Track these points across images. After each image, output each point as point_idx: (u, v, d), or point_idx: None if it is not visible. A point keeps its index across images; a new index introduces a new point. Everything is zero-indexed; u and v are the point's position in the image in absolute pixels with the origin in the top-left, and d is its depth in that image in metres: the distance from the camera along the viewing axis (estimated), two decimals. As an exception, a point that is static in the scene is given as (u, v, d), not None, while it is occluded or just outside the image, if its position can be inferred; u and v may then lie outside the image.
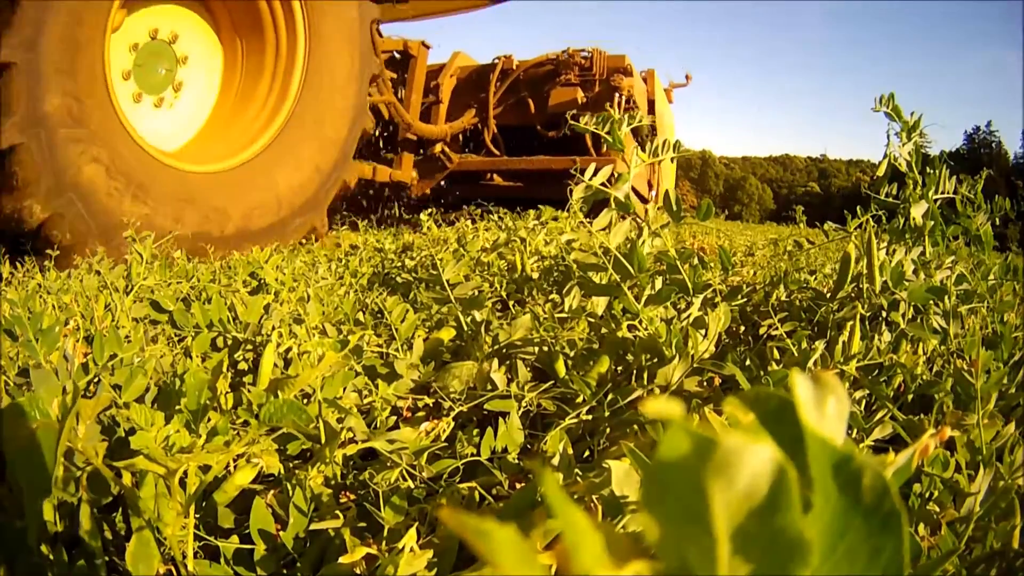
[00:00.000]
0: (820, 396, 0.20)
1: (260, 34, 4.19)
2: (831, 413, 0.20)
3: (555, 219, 3.38)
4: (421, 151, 6.55)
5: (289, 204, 4.16)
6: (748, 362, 1.22)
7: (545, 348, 1.44)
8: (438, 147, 6.55)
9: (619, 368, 1.35)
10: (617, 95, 6.06)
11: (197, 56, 4.20)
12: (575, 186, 1.54)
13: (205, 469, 0.79)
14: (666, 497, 0.17)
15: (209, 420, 0.90)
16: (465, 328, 1.55)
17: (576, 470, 0.88)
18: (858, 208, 1.88)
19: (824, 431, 0.19)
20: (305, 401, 1.20)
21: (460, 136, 6.75)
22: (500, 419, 1.10)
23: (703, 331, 1.22)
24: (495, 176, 6.79)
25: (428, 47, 6.31)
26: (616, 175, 1.62)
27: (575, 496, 0.75)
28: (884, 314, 1.46)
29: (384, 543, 0.88)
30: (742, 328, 1.68)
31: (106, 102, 3.43)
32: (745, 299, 1.68)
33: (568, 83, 6.14)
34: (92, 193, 3.38)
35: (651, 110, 6.91)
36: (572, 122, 1.85)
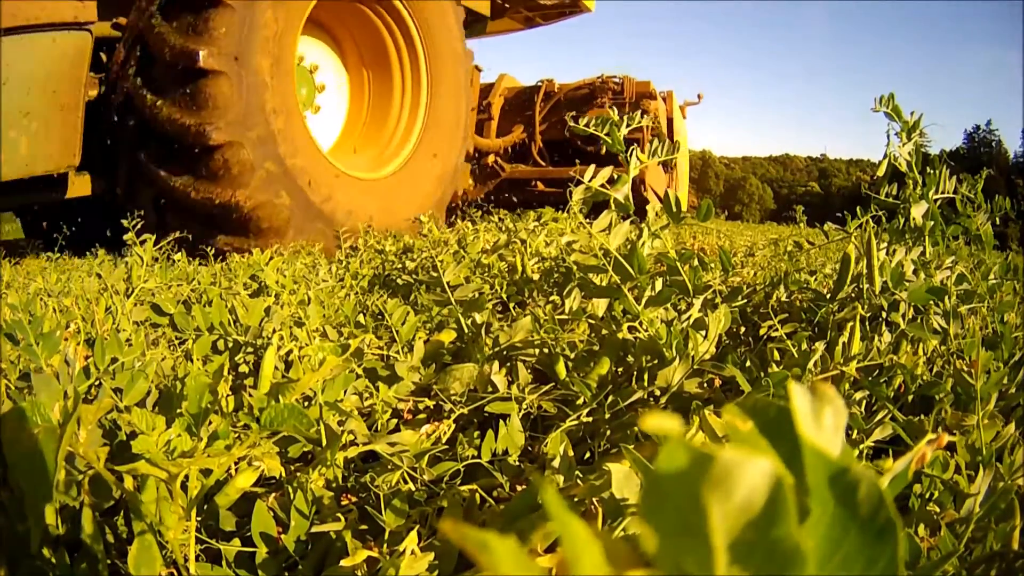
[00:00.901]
0: (818, 407, 0.20)
1: (388, 72, 5.32)
2: (828, 424, 0.20)
3: (555, 220, 3.39)
4: (476, 161, 7.64)
5: (424, 205, 5.15)
6: (748, 363, 1.22)
7: (546, 350, 1.45)
8: (491, 158, 7.74)
9: (619, 369, 1.35)
10: (646, 115, 6.41)
11: (331, 85, 5.31)
12: (574, 187, 1.54)
13: (206, 473, 0.79)
14: (664, 508, 0.17)
15: (210, 423, 0.90)
16: (466, 330, 1.55)
17: (577, 472, 0.88)
18: (858, 209, 1.88)
19: (821, 442, 0.19)
20: (306, 404, 1.20)
21: (508, 148, 7.91)
22: (501, 421, 1.10)
23: (703, 332, 1.22)
24: (539, 183, 7.85)
25: (480, 70, 7.18)
26: (616, 176, 1.62)
27: (575, 499, 0.75)
28: (884, 315, 1.46)
29: (385, 546, 0.89)
30: (742, 329, 1.68)
31: (296, 110, 4.16)
32: (745, 300, 1.68)
33: (603, 105, 7.25)
34: (295, 187, 3.98)
35: (670, 126, 8.19)
36: (572, 124, 1.86)
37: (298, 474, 1.01)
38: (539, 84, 7.91)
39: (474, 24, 6.32)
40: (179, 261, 2.95)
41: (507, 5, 7.10)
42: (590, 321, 1.54)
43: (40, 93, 3.46)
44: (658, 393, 1.19)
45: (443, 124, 5.44)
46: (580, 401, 1.18)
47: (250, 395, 1.08)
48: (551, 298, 2.03)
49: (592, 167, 1.51)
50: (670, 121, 8.17)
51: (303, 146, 4.12)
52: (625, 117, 1.56)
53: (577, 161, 7.27)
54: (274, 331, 1.52)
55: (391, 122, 5.30)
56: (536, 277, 2.25)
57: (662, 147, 1.64)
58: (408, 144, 5.25)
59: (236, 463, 0.94)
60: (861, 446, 1.01)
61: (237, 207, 3.75)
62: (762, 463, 0.17)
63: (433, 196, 5.35)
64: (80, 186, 3.86)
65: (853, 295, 1.52)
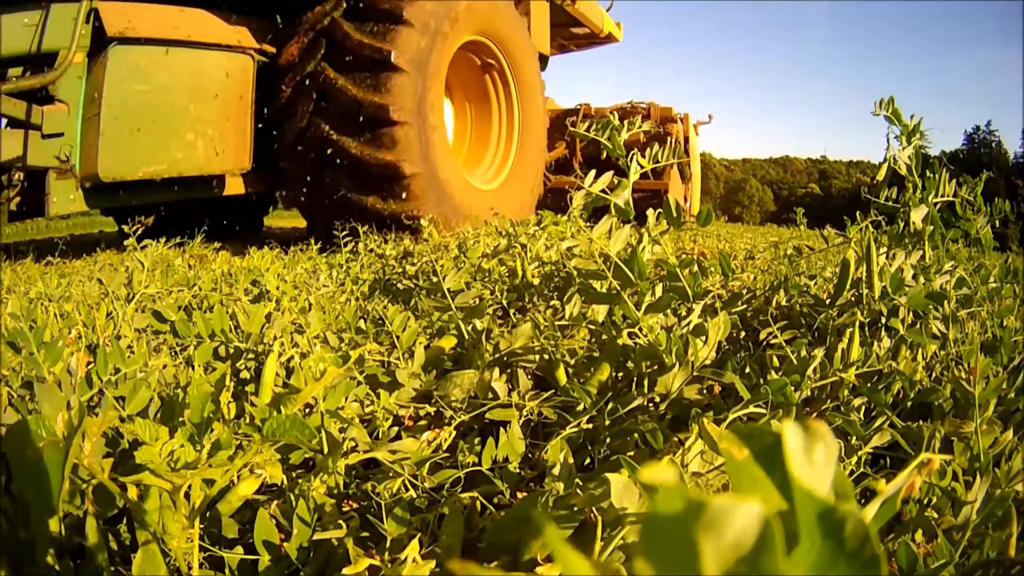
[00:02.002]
0: (809, 444, 0.21)
1: (487, 106, 6.42)
2: (819, 461, 0.21)
3: (555, 223, 3.39)
4: None
5: (521, 209, 6.15)
6: (748, 369, 1.22)
7: (546, 356, 1.45)
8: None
9: (619, 375, 1.35)
10: (668, 136, 9.08)
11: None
12: (575, 192, 1.55)
13: (209, 482, 0.80)
14: (660, 546, 0.17)
15: (212, 431, 0.91)
16: (466, 336, 1.56)
17: (577, 480, 0.88)
18: (858, 213, 1.89)
19: (811, 479, 0.19)
20: (307, 411, 1.21)
21: (552, 162, 8.91)
22: (501, 428, 1.10)
23: (703, 338, 1.22)
24: None
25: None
26: (616, 182, 1.63)
27: (575, 508, 0.75)
28: (883, 320, 1.46)
29: (387, 553, 0.89)
30: (742, 333, 1.68)
31: (444, 131, 5.14)
32: (745, 305, 1.69)
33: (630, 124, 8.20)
34: (453, 201, 5.06)
35: (686, 143, 9.69)
36: (572, 128, 1.88)
37: (300, 481, 1.02)
38: (578, 107, 9.16)
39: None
40: (179, 266, 2.95)
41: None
42: (590, 327, 1.54)
43: (214, 104, 4.34)
44: (658, 400, 1.20)
45: (530, 146, 6.60)
46: (580, 407, 1.19)
47: (252, 404, 1.09)
48: (551, 303, 2.04)
49: (592, 172, 1.52)
50: (686, 139, 9.69)
51: (445, 152, 5.15)
52: (660, 148, 1.67)
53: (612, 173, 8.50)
54: (275, 338, 1.52)
55: (491, 145, 6.48)
56: (536, 282, 2.26)
57: (670, 153, 1.69)
58: (507, 165, 6.44)
59: (238, 470, 0.95)
60: (860, 452, 1.01)
61: (399, 171, 4.63)
62: (752, 507, 0.17)
63: (526, 202, 6.49)
64: (234, 185, 4.78)
65: (853, 299, 1.53)
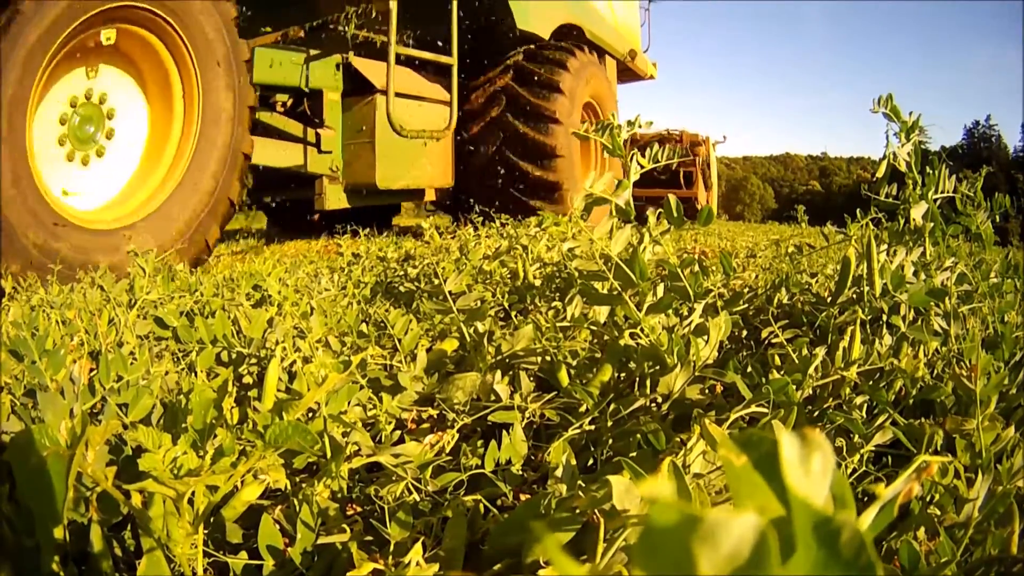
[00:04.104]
0: (806, 453, 0.21)
1: (588, 145, 7.63)
2: (815, 470, 0.21)
3: (556, 224, 3.39)
4: None
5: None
6: (750, 369, 1.23)
7: (548, 358, 1.45)
8: None
9: (621, 376, 1.35)
10: (696, 157, 13.24)
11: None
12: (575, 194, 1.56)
13: (212, 488, 0.80)
14: (657, 557, 0.18)
15: (215, 437, 0.91)
16: (468, 339, 1.56)
17: (579, 482, 0.89)
18: (858, 211, 1.89)
19: (808, 489, 0.20)
20: (310, 416, 1.21)
21: None
22: (504, 430, 1.11)
23: (705, 338, 1.22)
24: None
25: None
26: (617, 182, 1.64)
27: (577, 511, 0.76)
28: (885, 317, 1.46)
29: (391, 557, 0.89)
30: (744, 332, 1.69)
31: (578, 160, 7.25)
32: (747, 304, 1.69)
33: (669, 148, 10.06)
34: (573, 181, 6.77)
35: (707, 161, 13.71)
36: (574, 131, 1.90)
37: (303, 486, 1.02)
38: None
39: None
40: (181, 272, 2.96)
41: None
42: (592, 328, 1.55)
43: (432, 140, 6.09)
44: (660, 400, 1.20)
45: (615, 167, 7.84)
46: (582, 409, 1.19)
47: (255, 409, 1.09)
48: (553, 304, 2.04)
49: (592, 174, 1.53)
50: (707, 157, 13.41)
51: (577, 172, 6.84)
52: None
53: (651, 185, 11.47)
54: (277, 342, 1.53)
55: (592, 164, 7.83)
56: (538, 283, 2.26)
57: (669, 152, 1.74)
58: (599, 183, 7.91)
59: (242, 476, 0.95)
60: (862, 451, 1.01)
61: (559, 186, 6.47)
62: (748, 519, 0.18)
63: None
64: (430, 194, 6.67)
65: (854, 297, 1.53)
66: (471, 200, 6.48)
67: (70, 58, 3.25)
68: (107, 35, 3.30)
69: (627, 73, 9.89)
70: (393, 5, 4.99)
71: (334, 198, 5.50)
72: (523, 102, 6.53)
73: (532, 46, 6.86)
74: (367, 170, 5.54)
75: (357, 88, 5.57)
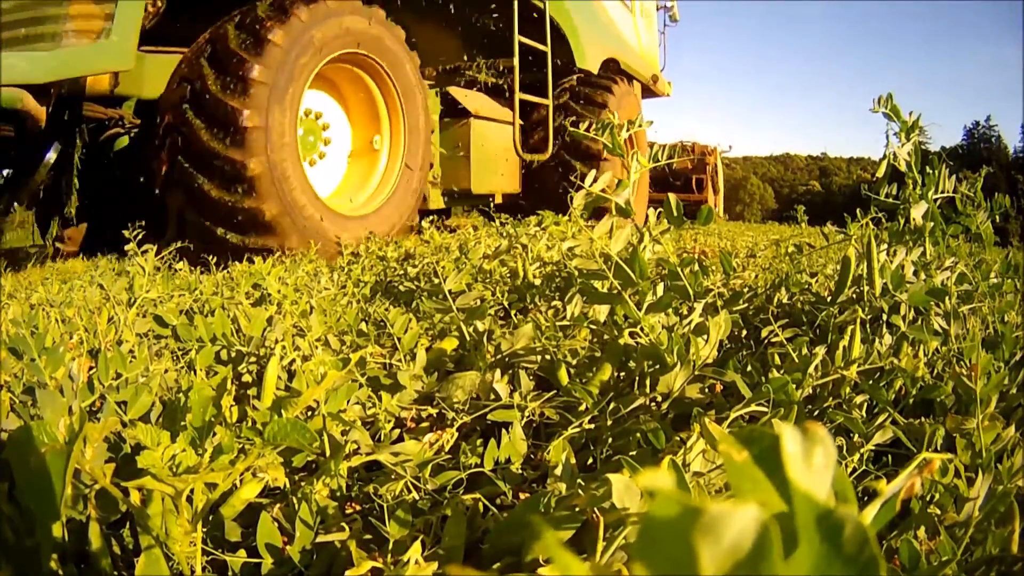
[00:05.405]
0: (808, 447, 0.21)
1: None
2: (818, 464, 0.21)
3: (556, 223, 3.39)
4: None
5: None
6: (749, 368, 1.22)
7: (547, 357, 1.45)
8: None
9: (621, 375, 1.35)
10: (706, 165, 15.32)
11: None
12: (574, 192, 1.56)
13: (211, 486, 0.80)
14: (657, 550, 0.17)
15: (214, 435, 0.91)
16: (468, 338, 1.56)
17: (579, 480, 0.88)
18: (858, 211, 1.88)
19: (810, 483, 0.19)
20: (310, 414, 1.21)
21: None
22: (503, 429, 1.10)
23: (704, 337, 1.22)
24: None
25: None
26: (616, 182, 1.64)
27: (577, 509, 0.75)
28: (885, 317, 1.46)
29: (390, 555, 0.89)
30: (744, 332, 1.68)
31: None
32: (747, 303, 1.68)
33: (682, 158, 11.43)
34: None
35: (715, 168, 15.62)
36: (572, 130, 1.90)
37: (302, 484, 1.02)
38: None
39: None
40: (181, 270, 2.96)
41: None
42: (592, 327, 1.54)
43: (507, 152, 7.37)
44: (660, 399, 1.20)
45: (640, 183, 8.73)
46: (582, 407, 1.19)
47: (254, 407, 1.09)
48: (553, 303, 2.04)
49: (591, 173, 1.53)
50: (715, 166, 15.46)
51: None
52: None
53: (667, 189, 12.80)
54: (277, 341, 1.52)
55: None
56: (537, 282, 2.26)
57: (670, 152, 1.76)
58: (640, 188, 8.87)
59: (241, 473, 0.95)
60: (862, 450, 1.01)
61: None
62: (749, 511, 0.18)
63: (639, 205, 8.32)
64: (498, 198, 7.83)
65: (854, 297, 1.53)
66: (532, 203, 7.32)
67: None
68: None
69: (647, 91, 10.86)
70: (516, 62, 6.60)
71: (436, 199, 6.70)
72: (579, 116, 7.56)
73: (582, 73, 8.15)
74: (463, 179, 6.96)
75: (449, 111, 6.83)
